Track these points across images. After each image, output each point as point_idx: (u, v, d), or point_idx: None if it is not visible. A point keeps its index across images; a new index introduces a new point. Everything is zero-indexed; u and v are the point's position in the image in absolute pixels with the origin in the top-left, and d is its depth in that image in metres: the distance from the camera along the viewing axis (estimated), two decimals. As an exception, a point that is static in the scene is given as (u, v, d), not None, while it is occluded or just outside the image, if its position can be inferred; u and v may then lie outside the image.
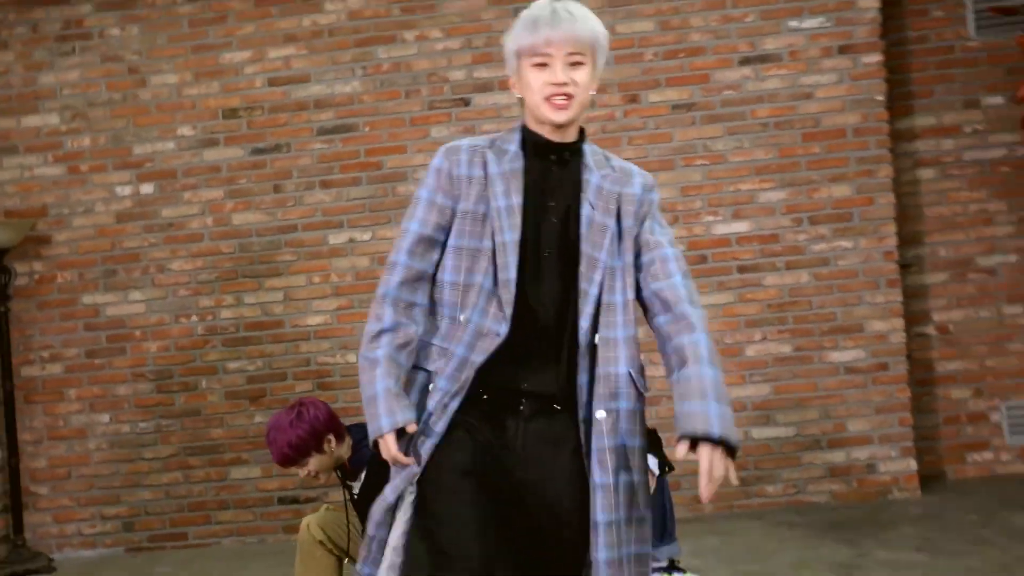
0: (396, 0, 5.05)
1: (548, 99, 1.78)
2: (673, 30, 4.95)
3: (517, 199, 1.83)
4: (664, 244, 1.88)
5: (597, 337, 1.83)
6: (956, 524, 4.31)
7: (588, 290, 1.81)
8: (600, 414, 1.79)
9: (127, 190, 5.15)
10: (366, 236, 5.06)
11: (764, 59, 4.94)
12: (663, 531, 3.21)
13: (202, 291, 5.09)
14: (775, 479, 4.90)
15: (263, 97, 5.11)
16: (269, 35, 5.11)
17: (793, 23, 4.91)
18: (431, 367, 1.86)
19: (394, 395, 1.79)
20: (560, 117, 1.80)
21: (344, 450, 3.08)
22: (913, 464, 4.89)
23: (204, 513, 5.08)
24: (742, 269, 4.95)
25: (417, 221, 1.87)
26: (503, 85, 4.96)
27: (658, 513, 3.10)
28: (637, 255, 1.88)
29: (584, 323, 1.81)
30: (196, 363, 5.10)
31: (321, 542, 3.14)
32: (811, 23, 4.91)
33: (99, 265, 5.15)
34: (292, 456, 3.00)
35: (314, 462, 3.02)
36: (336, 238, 5.10)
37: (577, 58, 1.78)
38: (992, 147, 5.08)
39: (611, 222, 1.84)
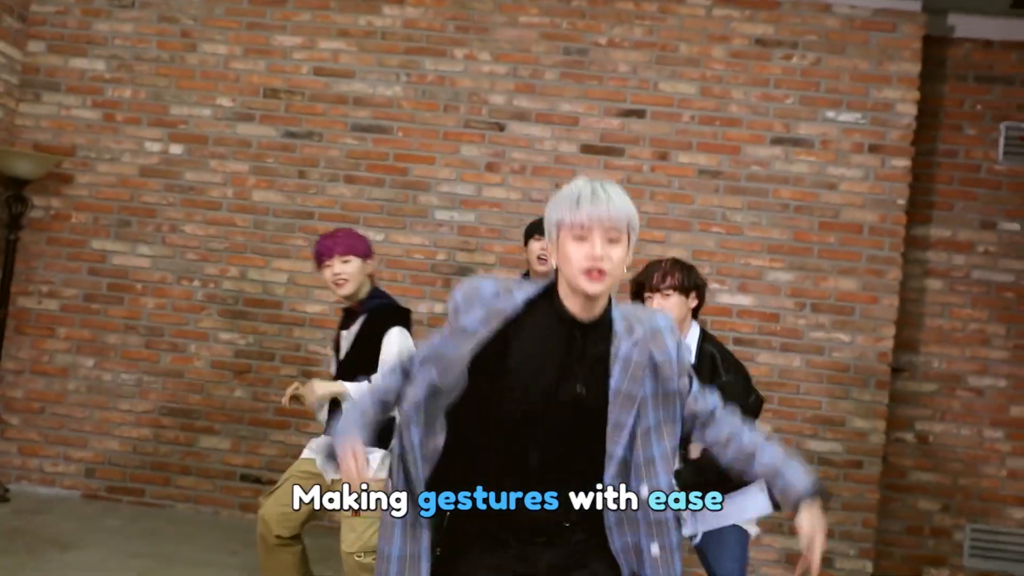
0: (452, 17, 5.16)
1: (586, 272, 1.85)
2: (714, 97, 5.04)
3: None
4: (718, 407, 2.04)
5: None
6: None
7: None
8: None
9: (156, 147, 5.23)
10: (379, 237, 5.13)
11: (796, 143, 5.02)
12: None
13: (209, 258, 5.15)
14: (730, 553, 4.90)
15: (305, 84, 5.20)
16: (323, 27, 5.21)
17: (830, 114, 5.00)
18: None
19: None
20: (595, 288, 1.87)
21: (368, 279, 3.37)
22: (869, 566, 4.91)
23: (165, 474, 5.11)
24: (738, 341, 4.98)
25: None
26: (539, 118, 5.06)
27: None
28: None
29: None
30: (189, 327, 5.15)
31: (279, 537, 3.21)
32: (847, 117, 4.99)
33: (115, 213, 5.22)
34: (351, 244, 3.30)
35: (355, 266, 3.28)
36: (349, 233, 5.16)
37: (614, 235, 1.87)
38: (1001, 271, 5.13)
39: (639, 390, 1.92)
